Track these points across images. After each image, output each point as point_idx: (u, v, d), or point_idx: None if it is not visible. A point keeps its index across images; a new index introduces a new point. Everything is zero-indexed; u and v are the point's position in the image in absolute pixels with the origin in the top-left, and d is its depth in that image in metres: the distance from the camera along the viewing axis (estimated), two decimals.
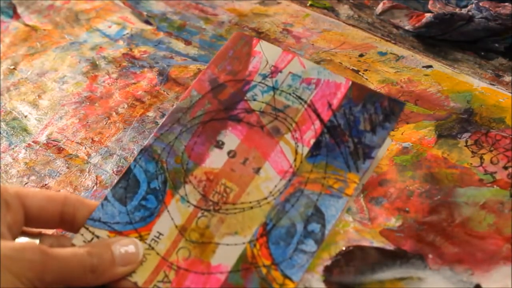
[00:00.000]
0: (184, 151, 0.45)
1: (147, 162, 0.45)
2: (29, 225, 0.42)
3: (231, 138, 0.44)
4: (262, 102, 0.45)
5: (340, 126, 0.44)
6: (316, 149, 0.44)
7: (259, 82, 0.45)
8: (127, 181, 0.45)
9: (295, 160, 0.44)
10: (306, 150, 0.44)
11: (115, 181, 0.45)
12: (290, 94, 0.45)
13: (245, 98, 0.45)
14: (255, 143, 0.44)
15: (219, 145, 0.45)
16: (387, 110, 0.44)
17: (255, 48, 0.46)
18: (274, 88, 0.45)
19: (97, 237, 0.43)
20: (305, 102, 0.44)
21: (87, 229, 0.43)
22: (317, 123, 0.44)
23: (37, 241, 0.42)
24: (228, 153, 0.44)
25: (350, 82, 0.44)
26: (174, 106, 0.46)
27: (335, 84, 0.45)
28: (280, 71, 0.45)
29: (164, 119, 0.45)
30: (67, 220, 0.43)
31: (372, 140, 0.43)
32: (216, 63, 0.46)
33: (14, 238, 0.40)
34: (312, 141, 0.44)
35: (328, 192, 0.43)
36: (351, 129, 0.44)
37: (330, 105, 0.44)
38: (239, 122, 0.45)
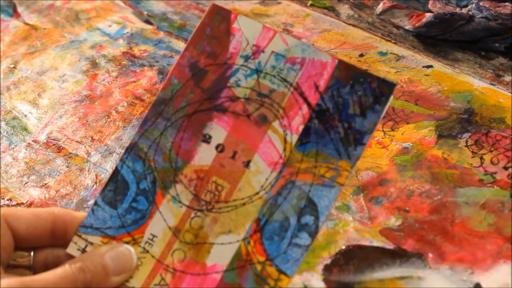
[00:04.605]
0: (171, 148, 0.43)
1: (134, 162, 0.43)
2: (20, 245, 0.41)
3: (218, 130, 0.43)
4: (247, 88, 0.43)
5: (328, 110, 0.42)
6: (305, 136, 0.42)
7: (242, 65, 0.43)
8: (115, 183, 0.43)
9: (284, 149, 0.42)
10: (295, 138, 0.42)
11: (104, 184, 0.44)
12: (274, 76, 0.43)
13: (229, 84, 0.43)
14: (242, 134, 0.43)
15: (206, 139, 0.43)
16: (377, 91, 0.42)
17: (234, 24, 0.44)
18: (257, 71, 0.43)
19: (91, 243, 0.42)
20: (291, 84, 0.43)
21: (79, 236, 0.42)
22: (305, 108, 0.42)
23: (31, 254, 0.42)
24: (216, 147, 0.43)
25: (337, 61, 0.42)
26: (156, 98, 0.44)
27: (321, 63, 0.43)
28: (263, 51, 0.43)
29: (146, 113, 0.44)
30: (59, 236, 0.42)
31: (362, 124, 0.42)
32: (194, 44, 0.44)
33: (5, 264, 0.40)
34: (301, 128, 0.42)
35: (320, 182, 0.42)
36: (341, 113, 0.42)
37: (317, 87, 0.42)
38: (225, 112, 0.43)
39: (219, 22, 0.44)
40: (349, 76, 0.42)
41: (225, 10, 0.44)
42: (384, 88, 0.42)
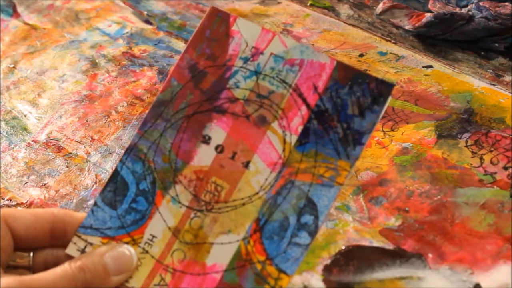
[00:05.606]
0: (171, 149, 0.44)
1: (134, 163, 0.44)
2: (20, 246, 0.41)
3: (217, 131, 0.43)
4: (246, 89, 0.44)
5: (327, 110, 0.42)
6: (304, 136, 0.43)
7: (241, 67, 0.44)
8: (115, 184, 0.43)
9: (283, 150, 0.43)
10: (294, 138, 0.43)
11: (104, 185, 0.44)
12: (273, 78, 0.43)
13: (228, 86, 0.44)
14: (242, 135, 0.43)
15: (206, 140, 0.43)
16: (375, 92, 0.42)
17: (233, 27, 0.44)
18: (256, 73, 0.43)
19: (90, 244, 0.42)
20: (290, 86, 0.43)
21: (79, 237, 0.42)
22: (304, 109, 0.43)
23: (31, 255, 0.42)
24: (216, 148, 0.43)
25: (335, 62, 0.43)
26: (155, 99, 0.44)
27: (320, 64, 0.43)
28: (262, 53, 0.44)
29: (146, 114, 0.44)
30: (59, 236, 0.42)
31: (361, 125, 0.42)
32: (194, 46, 0.44)
33: (4, 264, 0.40)
34: (300, 128, 0.43)
35: (320, 182, 0.42)
36: (339, 114, 0.42)
37: (315, 88, 0.43)
38: (224, 114, 0.43)
39: (219, 24, 0.44)
40: (347, 77, 0.42)
41: (224, 12, 0.44)
42: (383, 88, 0.42)
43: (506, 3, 0.68)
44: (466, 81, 0.63)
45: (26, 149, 0.62)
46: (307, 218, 0.42)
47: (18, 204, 0.56)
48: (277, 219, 0.42)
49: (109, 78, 0.69)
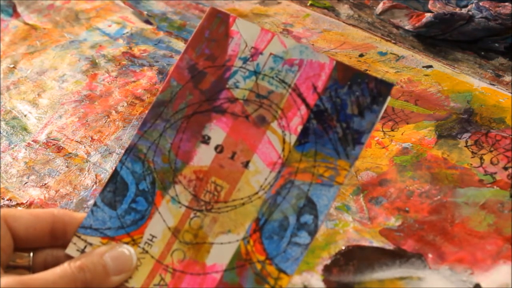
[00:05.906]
0: (170, 149, 0.44)
1: (134, 163, 0.44)
2: (19, 246, 0.41)
3: (217, 131, 0.44)
4: (245, 89, 0.44)
5: (327, 110, 0.43)
6: (304, 136, 0.43)
7: (240, 67, 0.44)
8: (114, 184, 0.44)
9: (283, 150, 0.43)
10: (294, 138, 0.43)
11: (103, 185, 0.44)
12: (273, 78, 0.43)
13: (227, 86, 0.44)
14: (241, 135, 0.43)
15: (206, 140, 0.44)
16: (374, 92, 0.42)
17: (232, 27, 0.44)
18: (256, 73, 0.44)
19: (90, 244, 0.42)
20: (289, 86, 0.43)
21: (79, 237, 0.42)
22: (303, 109, 0.43)
23: (30, 255, 0.42)
24: (215, 148, 0.43)
25: (335, 62, 0.43)
26: (155, 100, 0.44)
27: (319, 64, 0.43)
28: (261, 53, 0.44)
29: (145, 114, 0.44)
30: (59, 237, 0.42)
31: (361, 124, 0.42)
32: (193, 46, 0.45)
33: (4, 264, 0.40)
34: (300, 128, 0.43)
35: (319, 181, 0.42)
36: (339, 114, 0.42)
37: (315, 88, 0.43)
38: (224, 114, 0.44)
39: (218, 25, 0.45)
40: (347, 77, 0.43)
41: (223, 13, 0.45)
42: (382, 88, 0.42)
43: (506, 3, 0.68)
44: (466, 81, 0.63)
45: (26, 149, 0.62)
46: (307, 218, 0.42)
47: (18, 204, 0.56)
48: (276, 219, 0.42)
49: (109, 78, 0.69)
